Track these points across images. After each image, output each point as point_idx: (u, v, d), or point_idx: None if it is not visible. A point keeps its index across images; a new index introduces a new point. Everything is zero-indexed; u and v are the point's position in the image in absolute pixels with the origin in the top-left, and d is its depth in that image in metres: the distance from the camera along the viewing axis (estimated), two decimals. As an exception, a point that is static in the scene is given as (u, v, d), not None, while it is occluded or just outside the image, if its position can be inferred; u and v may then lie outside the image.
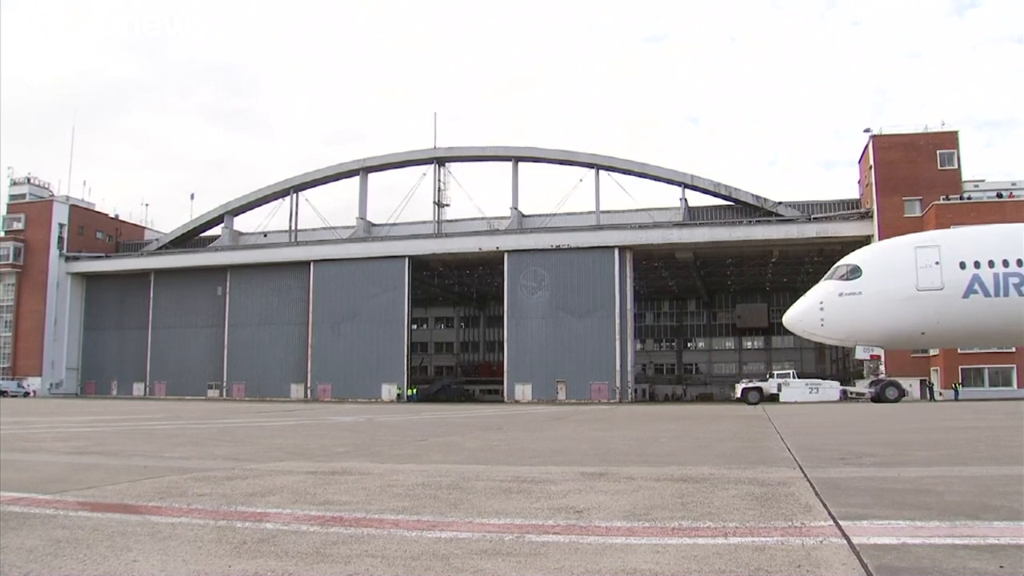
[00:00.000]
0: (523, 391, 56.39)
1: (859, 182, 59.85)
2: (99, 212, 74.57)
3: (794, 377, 42.84)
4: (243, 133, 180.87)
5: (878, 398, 27.72)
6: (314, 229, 68.27)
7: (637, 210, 61.32)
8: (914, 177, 51.13)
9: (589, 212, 61.23)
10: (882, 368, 34.39)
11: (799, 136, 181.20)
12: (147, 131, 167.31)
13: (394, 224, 66.05)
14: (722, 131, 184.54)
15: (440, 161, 65.41)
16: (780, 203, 58.31)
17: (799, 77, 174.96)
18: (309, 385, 61.61)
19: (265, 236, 68.74)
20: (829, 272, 24.31)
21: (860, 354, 24.68)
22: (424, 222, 66.28)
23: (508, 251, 58.35)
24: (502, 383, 58.56)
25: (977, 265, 22.11)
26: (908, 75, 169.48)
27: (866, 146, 55.10)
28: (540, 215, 63.86)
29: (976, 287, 21.98)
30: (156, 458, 6.99)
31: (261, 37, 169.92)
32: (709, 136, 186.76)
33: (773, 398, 39.80)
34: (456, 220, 66.18)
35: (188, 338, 65.49)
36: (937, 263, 22.32)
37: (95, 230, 72.95)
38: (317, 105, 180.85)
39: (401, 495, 4.47)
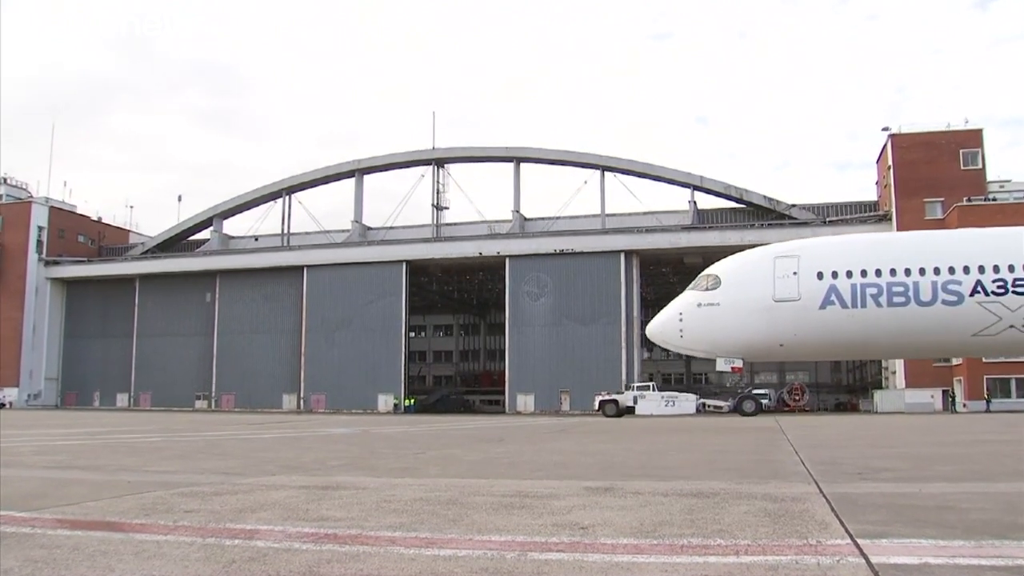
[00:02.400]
0: (525, 402, 56.31)
1: (877, 183, 59.90)
2: (81, 214, 74.49)
3: (653, 389, 43.86)
4: (233, 134, 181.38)
5: (736, 411, 28.24)
6: (307, 233, 68.33)
7: (644, 213, 61.34)
8: (935, 177, 51.03)
9: (594, 215, 61.27)
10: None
11: (812, 136, 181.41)
12: (132, 131, 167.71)
13: (391, 228, 66.11)
14: (732, 131, 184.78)
15: (439, 162, 65.51)
16: (793, 205, 58.34)
17: (812, 75, 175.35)
18: (302, 396, 61.57)
19: (256, 240, 68.80)
20: (693, 282, 24.93)
21: (721, 366, 25.17)
22: (422, 226, 66.33)
23: (510, 256, 58.38)
24: (503, 393, 58.52)
25: (835, 276, 22.61)
26: (927, 72, 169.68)
27: (884, 145, 55.12)
28: (543, 218, 63.92)
29: (833, 298, 22.47)
30: (141, 472, 6.98)
31: (252, 35, 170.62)
32: (718, 137, 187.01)
33: (630, 410, 40.93)
34: (455, 224, 66.22)
35: (175, 347, 65.47)
36: (795, 273, 22.80)
37: (76, 233, 72.85)
38: (311, 106, 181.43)
39: (398, 511, 4.46)
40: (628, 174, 61.06)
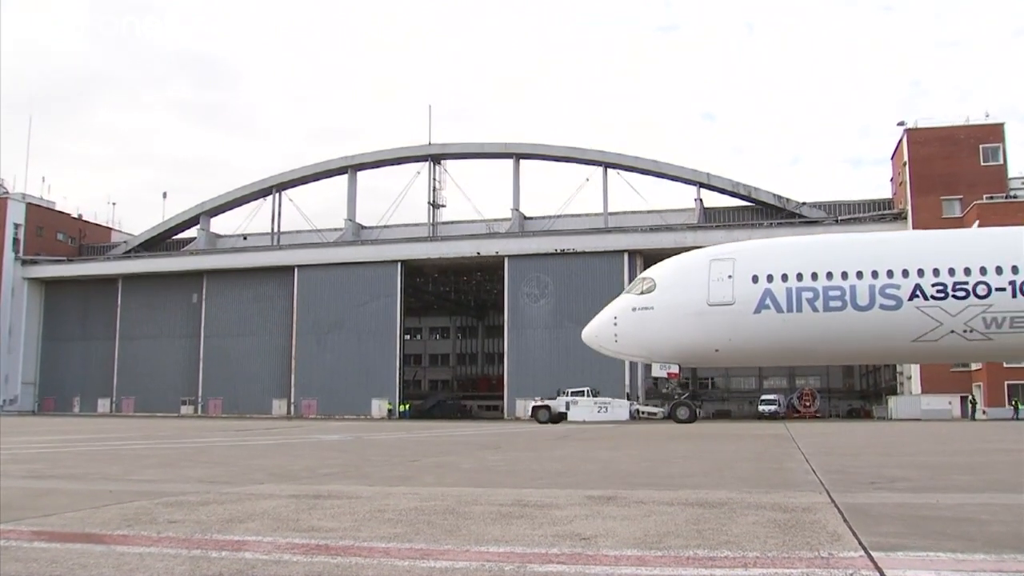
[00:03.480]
0: (525, 407, 56.17)
1: (892, 180, 59.96)
2: (60, 212, 74.36)
3: (588, 395, 44.32)
4: (221, 129, 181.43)
5: (670, 417, 28.57)
6: (298, 231, 68.38)
7: (648, 211, 61.42)
8: (953, 174, 51.00)
9: (596, 214, 61.31)
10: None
11: (824, 132, 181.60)
12: (114, 125, 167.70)
13: (385, 226, 66.14)
14: (740, 127, 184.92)
15: (435, 158, 65.55)
16: (804, 203, 58.41)
17: (824, 68, 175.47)
18: (292, 401, 61.59)
19: (245, 239, 68.83)
20: (629, 285, 24.94)
21: (657, 371, 25.33)
22: (418, 224, 66.37)
23: (509, 256, 58.41)
24: (502, 398, 58.58)
25: (770, 279, 22.71)
26: (945, 64, 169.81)
27: (900, 141, 55.15)
28: (543, 217, 63.97)
29: (768, 302, 22.58)
30: (123, 481, 6.96)
31: (240, 25, 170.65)
32: (726, 132, 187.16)
33: (563, 416, 41.83)
34: (453, 222, 66.26)
35: (159, 350, 65.47)
36: (730, 277, 22.98)
37: (55, 231, 72.76)
38: (302, 99, 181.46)
39: (392, 521, 4.45)
40: (632, 171, 61.11)
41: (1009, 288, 21.29)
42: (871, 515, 4.60)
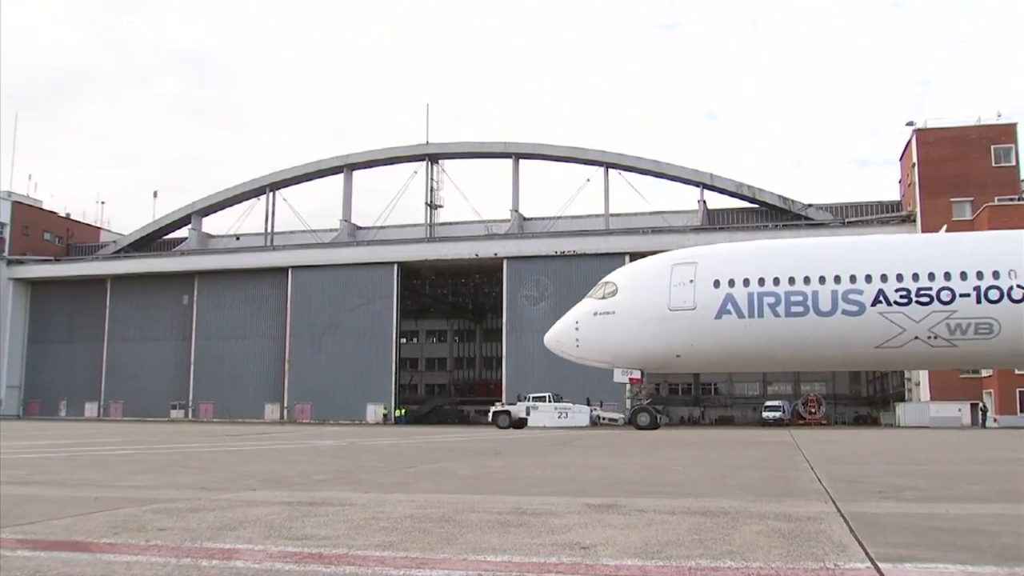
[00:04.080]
0: (523, 413, 56.22)
1: (900, 181, 60.04)
2: (47, 210, 74.36)
3: (549, 400, 45.37)
4: (213, 126, 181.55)
5: (630, 424, 28.70)
6: (292, 232, 68.41)
7: (650, 213, 61.51)
8: (964, 175, 51.02)
9: (597, 215, 61.38)
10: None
11: (830, 132, 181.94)
12: (104, 122, 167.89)
13: (381, 227, 66.20)
14: (744, 127, 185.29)
15: (433, 158, 65.61)
16: (810, 205, 58.50)
17: (830, 66, 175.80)
18: (286, 405, 61.57)
19: (237, 239, 68.85)
20: (592, 290, 25.14)
21: (618, 377, 25.50)
22: (415, 225, 66.43)
23: (507, 258, 58.43)
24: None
25: (731, 284, 22.85)
26: (955, 63, 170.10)
27: (909, 141, 55.22)
28: (543, 218, 64.04)
29: (729, 307, 22.73)
30: (110, 488, 6.95)
31: (234, 21, 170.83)
32: (729, 132, 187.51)
33: (524, 422, 42.81)
34: (450, 223, 66.34)
35: (149, 353, 65.43)
36: (691, 281, 23.18)
37: (42, 230, 72.70)
38: (297, 97, 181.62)
39: (387, 529, 4.45)
40: (633, 172, 61.21)
41: (973, 294, 21.41)
42: (878, 525, 4.59)
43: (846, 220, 55.87)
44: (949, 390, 47.86)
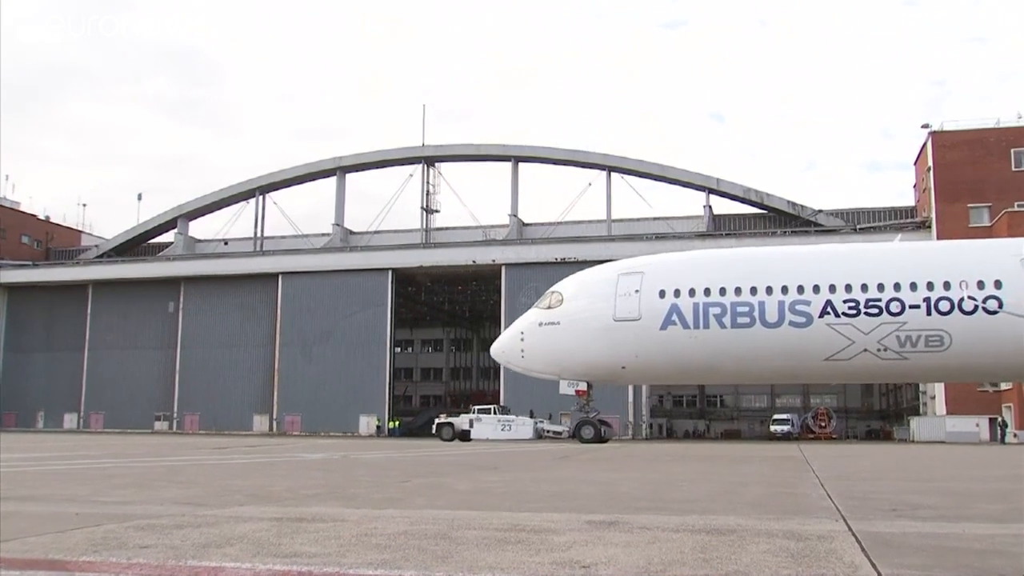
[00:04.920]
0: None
1: (915, 186, 60.20)
2: (25, 212, 74.34)
3: (494, 413, 46.87)
4: (201, 126, 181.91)
5: (574, 437, 29.00)
6: (283, 237, 68.48)
7: (654, 219, 61.65)
8: (982, 180, 51.07)
9: (599, 221, 61.49)
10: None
11: (842, 134, 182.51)
12: (86, 121, 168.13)
13: (376, 232, 66.28)
14: (751, 129, 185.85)
15: (429, 161, 65.77)
16: (820, 211, 58.62)
17: (841, 66, 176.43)
18: (275, 416, 61.52)
19: (226, 244, 68.91)
20: (539, 299, 25.50)
21: (564, 389, 25.84)
22: (410, 230, 66.52)
23: (506, 264, 58.50)
24: (498, 416, 58.44)
25: (677, 294, 23.12)
26: (972, 62, 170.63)
27: (924, 144, 55.32)
28: (543, 223, 64.14)
29: (675, 318, 22.99)
30: (91, 503, 6.93)
31: (223, 17, 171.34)
32: (736, 135, 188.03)
33: (467, 434, 44.23)
34: (447, 228, 66.46)
35: (132, 361, 65.37)
36: (637, 291, 23.48)
37: (20, 233, 72.63)
38: (288, 97, 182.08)
39: (380, 546, 4.44)
40: (636, 175, 61.36)
41: (924, 305, 21.55)
42: (892, 545, 4.58)
43: (858, 226, 55.97)
44: (966, 404, 47.83)
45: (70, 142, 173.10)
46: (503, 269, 58.60)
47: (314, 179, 68.89)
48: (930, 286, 21.64)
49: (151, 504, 6.78)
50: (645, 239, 57.18)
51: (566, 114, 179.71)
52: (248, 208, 68.65)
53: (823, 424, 64.27)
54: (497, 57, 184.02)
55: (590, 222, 62.63)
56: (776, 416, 64.57)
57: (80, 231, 78.14)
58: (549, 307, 24.77)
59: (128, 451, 20.08)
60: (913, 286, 21.73)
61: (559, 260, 57.39)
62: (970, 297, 21.27)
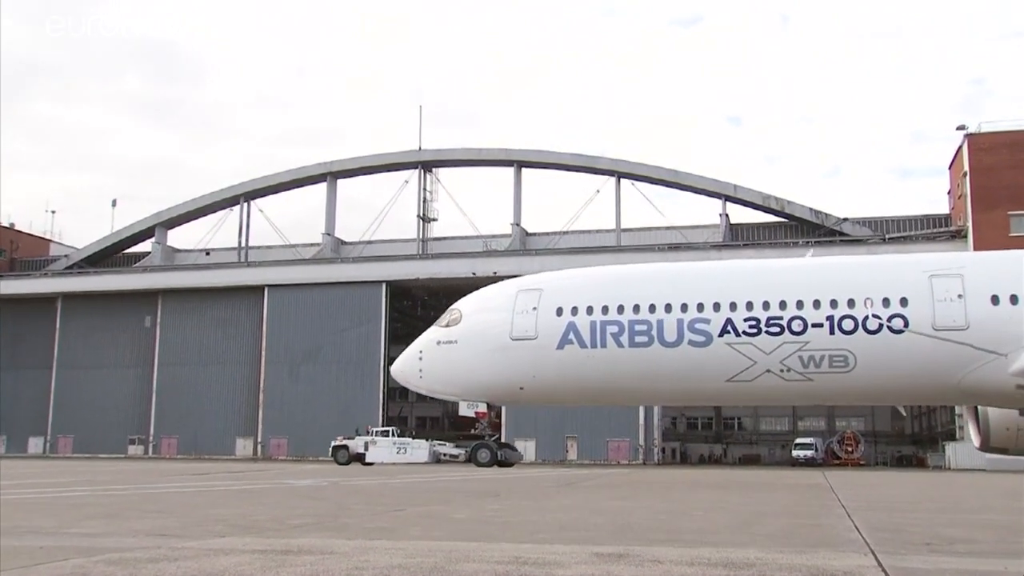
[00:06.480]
0: (525, 449, 56.10)
1: (949, 193, 60.22)
2: (-13, 220, 74.53)
3: (393, 435, 49.29)
4: (180, 129, 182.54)
5: (471, 461, 30.04)
6: (269, 247, 68.64)
7: (667, 228, 61.74)
8: (1023, 186, 50.99)
9: (608, 230, 61.60)
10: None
11: (869, 138, 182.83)
12: (54, 121, 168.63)
13: (369, 242, 66.43)
14: (771, 133, 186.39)
15: (426, 166, 65.98)
16: (845, 219, 58.67)
17: (869, 65, 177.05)
18: (259, 440, 61.51)
19: (207, 254, 69.04)
20: (439, 317, 26.18)
21: (464, 410, 26.66)
22: (406, 240, 66.69)
23: (508, 276, 58.46)
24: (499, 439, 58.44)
25: (575, 312, 23.71)
26: (1012, 60, 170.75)
27: (959, 148, 55.29)
28: (547, 233, 64.27)
29: (571, 337, 23.54)
30: (57, 535, 6.91)
31: (204, 10, 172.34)
32: (755, 139, 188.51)
33: (362, 457, 46.35)
34: (445, 238, 66.61)
35: (105, 381, 65.37)
36: (534, 309, 24.09)
37: (-19, 243, 72.82)
38: (275, 97, 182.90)
39: (370, 582, 4.42)
40: (648, 182, 61.50)
41: (827, 324, 21.85)
42: (924, 580, 4.55)
43: (887, 236, 55.96)
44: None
45: (36, 144, 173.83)
46: (505, 282, 58.67)
47: (303, 185, 69.05)
48: (834, 304, 22.02)
49: (123, 536, 6.76)
50: (657, 250, 57.23)
51: (572, 117, 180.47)
52: (231, 216, 68.89)
53: (850, 449, 64.11)
54: (498, 56, 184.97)
55: (598, 232, 62.71)
56: (798, 440, 64.41)
57: (48, 240, 78.26)
58: (448, 325, 25.54)
59: (99, 478, 20.06)
60: (816, 304, 22.12)
61: (565, 272, 57.52)
62: (875, 315, 21.58)
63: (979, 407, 23.50)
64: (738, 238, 60.26)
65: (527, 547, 5.96)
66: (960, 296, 21.24)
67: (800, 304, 22.13)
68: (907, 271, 22.93)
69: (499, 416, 59.53)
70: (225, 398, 63.01)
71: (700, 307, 22.73)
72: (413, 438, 52.40)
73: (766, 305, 22.30)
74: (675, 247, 57.25)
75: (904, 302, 21.49)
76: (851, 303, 21.81)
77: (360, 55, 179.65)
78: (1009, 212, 50.95)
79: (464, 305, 26.08)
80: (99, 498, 12.26)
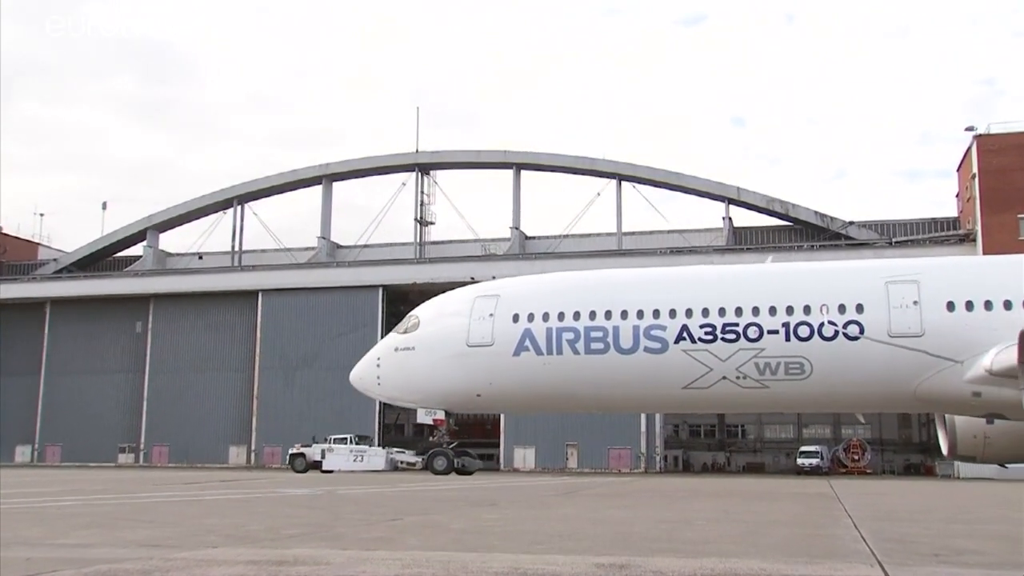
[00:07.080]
0: (524, 456, 56.30)
1: (957, 196, 60.24)
2: (-28, 223, 74.38)
3: (351, 442, 49.98)
4: (172, 130, 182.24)
5: (427, 468, 30.66)
6: (263, 251, 68.56)
7: (669, 231, 61.73)
8: (1034, 188, 50.91)
9: (609, 234, 61.59)
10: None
11: (875, 140, 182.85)
12: (43, 121, 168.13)
13: (365, 246, 66.40)
14: (775, 134, 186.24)
15: (424, 168, 65.97)
16: (851, 223, 58.67)
17: (874, 65, 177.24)
18: (253, 448, 61.44)
19: (200, 258, 68.97)
20: (399, 323, 26.53)
21: (422, 417, 27.20)
22: (403, 244, 66.66)
23: (508, 280, 58.55)
24: (498, 446, 58.47)
25: (531, 318, 24.05)
26: (1021, 59, 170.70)
27: (968, 150, 55.31)
28: (547, 237, 64.27)
29: (527, 343, 23.84)
30: (46, 546, 6.90)
31: (197, 9, 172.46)
32: (758, 140, 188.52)
33: (319, 465, 46.87)
34: (443, 242, 66.58)
35: (95, 387, 65.22)
36: (491, 315, 24.34)
37: (-34, 246, 72.64)
38: (269, 98, 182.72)
39: (366, 593, 4.42)
40: (649, 184, 61.53)
41: (783, 330, 22.08)
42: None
43: (894, 240, 55.97)
44: (1018, 435, 47.46)
45: (24, 146, 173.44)
46: (504, 286, 58.66)
47: (297, 188, 69.00)
48: (790, 310, 22.25)
49: (114, 547, 6.75)
50: (659, 254, 57.24)
51: (573, 118, 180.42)
52: (225, 219, 68.79)
53: (856, 457, 64.00)
54: (498, 56, 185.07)
55: (599, 235, 62.67)
56: (803, 448, 64.29)
57: (37, 243, 78.07)
58: (406, 331, 25.85)
59: (89, 487, 20.02)
60: (772, 310, 22.35)
61: (565, 276, 57.53)
62: (830, 322, 21.76)
63: (947, 415, 23.63)
64: (742, 241, 60.26)
65: (526, 557, 5.96)
66: (916, 303, 21.41)
67: (756, 311, 22.38)
68: (864, 277, 23.28)
69: (497, 423, 59.65)
70: (218, 405, 62.89)
71: (656, 314, 22.97)
72: (380, 446, 53.26)
73: (722, 312, 22.53)
74: (677, 251, 57.26)
75: (860, 308, 21.67)
76: (807, 309, 22.03)
77: (357, 55, 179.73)
78: (1019, 215, 50.91)
79: (422, 311, 26.35)
80: (89, 508, 12.25)
